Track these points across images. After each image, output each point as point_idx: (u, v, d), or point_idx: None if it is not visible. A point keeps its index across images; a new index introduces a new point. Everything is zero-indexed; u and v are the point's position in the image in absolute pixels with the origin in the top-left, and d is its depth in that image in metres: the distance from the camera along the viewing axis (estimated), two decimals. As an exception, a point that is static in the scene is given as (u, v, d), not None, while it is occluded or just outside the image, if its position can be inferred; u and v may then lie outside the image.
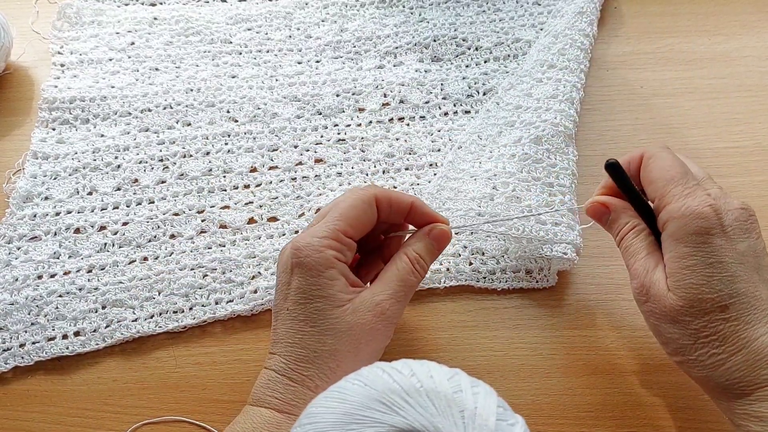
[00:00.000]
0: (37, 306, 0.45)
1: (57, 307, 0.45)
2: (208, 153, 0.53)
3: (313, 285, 0.37)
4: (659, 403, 0.40)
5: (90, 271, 0.47)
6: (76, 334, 0.44)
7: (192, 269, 0.47)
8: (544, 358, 0.43)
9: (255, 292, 0.46)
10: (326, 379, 0.36)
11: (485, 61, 0.59)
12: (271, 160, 0.53)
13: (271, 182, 0.52)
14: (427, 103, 0.56)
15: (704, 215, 0.34)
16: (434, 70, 0.59)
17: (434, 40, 0.60)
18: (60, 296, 0.46)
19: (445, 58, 0.60)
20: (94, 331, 0.45)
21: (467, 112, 0.56)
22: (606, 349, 0.43)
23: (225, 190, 0.51)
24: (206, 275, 0.47)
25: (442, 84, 0.57)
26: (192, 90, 0.57)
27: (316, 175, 0.52)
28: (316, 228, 0.38)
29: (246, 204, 0.50)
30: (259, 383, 0.37)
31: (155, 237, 0.49)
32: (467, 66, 0.59)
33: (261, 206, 0.50)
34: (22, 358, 0.43)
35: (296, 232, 0.49)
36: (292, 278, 0.37)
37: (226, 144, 0.54)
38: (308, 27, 0.62)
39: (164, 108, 0.56)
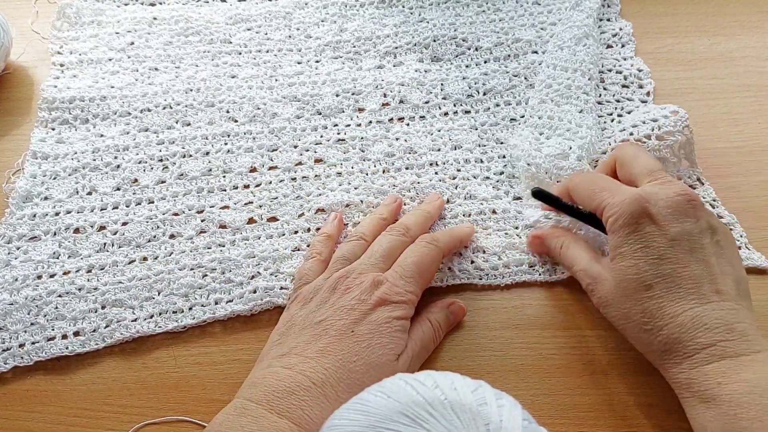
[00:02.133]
0: (36, 306, 0.45)
1: (56, 307, 0.45)
2: (207, 153, 0.53)
3: (389, 326, 0.39)
4: (659, 403, 0.40)
5: (89, 271, 0.47)
6: (76, 334, 0.44)
7: (191, 269, 0.47)
8: (544, 358, 0.43)
9: (254, 292, 0.46)
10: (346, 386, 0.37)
11: (485, 62, 0.59)
12: (271, 160, 0.53)
13: (270, 182, 0.51)
14: (427, 103, 0.56)
15: (631, 207, 0.38)
16: (434, 70, 0.59)
17: (434, 40, 0.60)
18: (59, 296, 0.45)
19: (445, 58, 0.60)
20: (94, 331, 0.44)
21: (467, 112, 0.56)
22: (606, 349, 0.43)
23: (225, 190, 0.51)
24: (206, 275, 0.46)
25: (442, 84, 0.57)
26: (191, 90, 0.57)
27: (315, 175, 0.52)
28: (407, 285, 0.41)
29: (246, 204, 0.50)
30: (279, 385, 0.36)
31: (155, 237, 0.48)
32: (467, 66, 0.59)
33: (261, 206, 0.50)
34: (22, 358, 0.43)
35: (295, 232, 0.49)
36: (375, 310, 0.40)
37: (226, 144, 0.54)
38: (308, 27, 0.62)
39: (164, 108, 0.56)
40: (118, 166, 0.52)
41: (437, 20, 0.62)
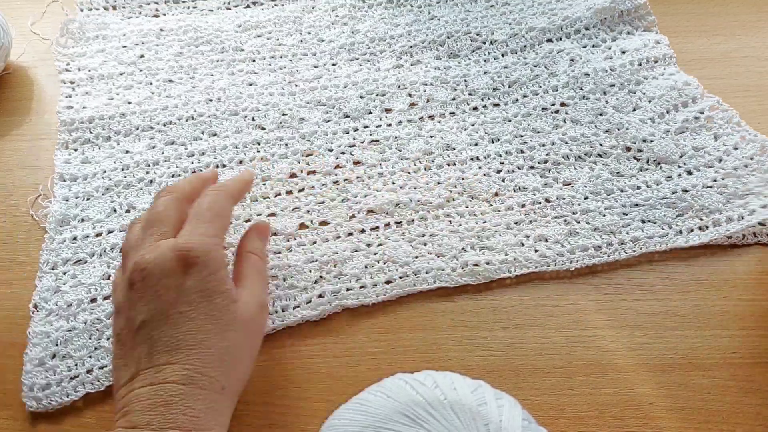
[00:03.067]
0: (96, 330, 0.44)
1: None
2: (241, 162, 0.53)
3: (212, 282, 0.36)
4: (658, 403, 0.41)
5: None
6: None
7: None
8: (544, 358, 0.43)
9: (321, 296, 0.46)
10: (228, 378, 0.35)
11: (503, 54, 0.60)
12: (308, 164, 0.53)
13: (313, 187, 0.51)
14: (453, 99, 0.57)
15: None
16: (454, 67, 0.59)
17: (448, 37, 0.61)
18: None
19: (462, 54, 0.60)
20: None
21: (496, 105, 0.57)
22: (606, 349, 0.43)
23: (268, 198, 0.51)
24: (268, 283, 0.46)
25: (465, 80, 0.58)
26: (212, 100, 0.57)
27: (357, 177, 0.52)
28: (203, 228, 0.37)
29: (293, 210, 0.50)
30: (149, 404, 0.33)
31: None
32: (486, 60, 0.60)
33: (309, 211, 0.50)
34: (92, 384, 0.42)
35: (350, 234, 0.49)
36: (186, 279, 0.35)
37: (258, 152, 0.53)
38: (319, 30, 0.62)
39: (186, 120, 0.55)
40: (152, 181, 0.52)
41: (448, 17, 0.62)
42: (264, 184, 0.52)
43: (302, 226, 0.50)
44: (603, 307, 0.45)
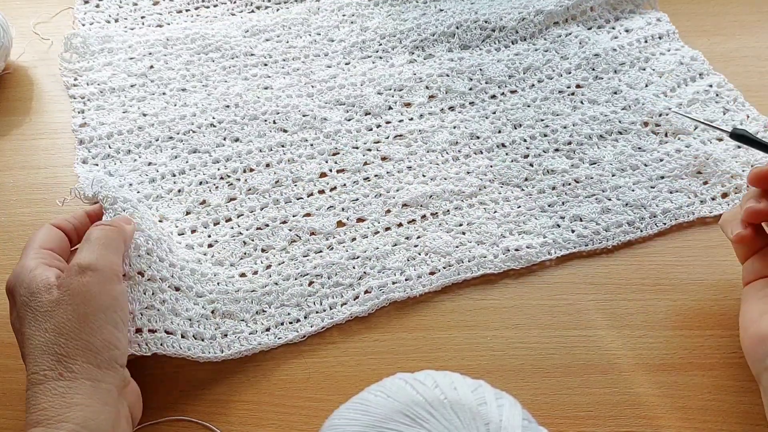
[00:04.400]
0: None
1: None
2: (268, 165, 0.53)
3: (27, 292, 0.37)
4: (658, 402, 0.41)
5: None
6: (195, 336, 0.42)
7: (296, 278, 0.46)
8: (544, 358, 0.43)
9: (367, 292, 0.46)
10: (70, 360, 0.35)
11: (513, 42, 0.61)
12: (336, 163, 0.53)
13: (344, 185, 0.52)
14: (471, 89, 0.58)
15: None
16: (467, 57, 0.60)
17: (457, 27, 0.61)
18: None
19: (473, 45, 0.61)
20: (212, 339, 0.43)
21: (514, 91, 0.58)
22: (605, 348, 0.43)
23: (301, 198, 0.51)
24: (312, 282, 0.46)
25: (480, 69, 0.59)
26: (229, 106, 0.56)
27: (387, 172, 0.52)
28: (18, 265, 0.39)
29: (329, 209, 0.50)
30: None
31: (246, 254, 0.48)
32: (497, 49, 0.61)
33: (344, 209, 0.50)
34: (139, 346, 0.40)
35: (387, 228, 0.49)
36: (17, 304, 0.37)
37: (285, 154, 0.53)
38: (328, 31, 0.63)
39: (206, 127, 0.55)
40: (180, 191, 0.51)
41: (455, 8, 0.63)
42: (295, 185, 0.52)
43: (340, 224, 0.50)
44: (603, 307, 0.45)
